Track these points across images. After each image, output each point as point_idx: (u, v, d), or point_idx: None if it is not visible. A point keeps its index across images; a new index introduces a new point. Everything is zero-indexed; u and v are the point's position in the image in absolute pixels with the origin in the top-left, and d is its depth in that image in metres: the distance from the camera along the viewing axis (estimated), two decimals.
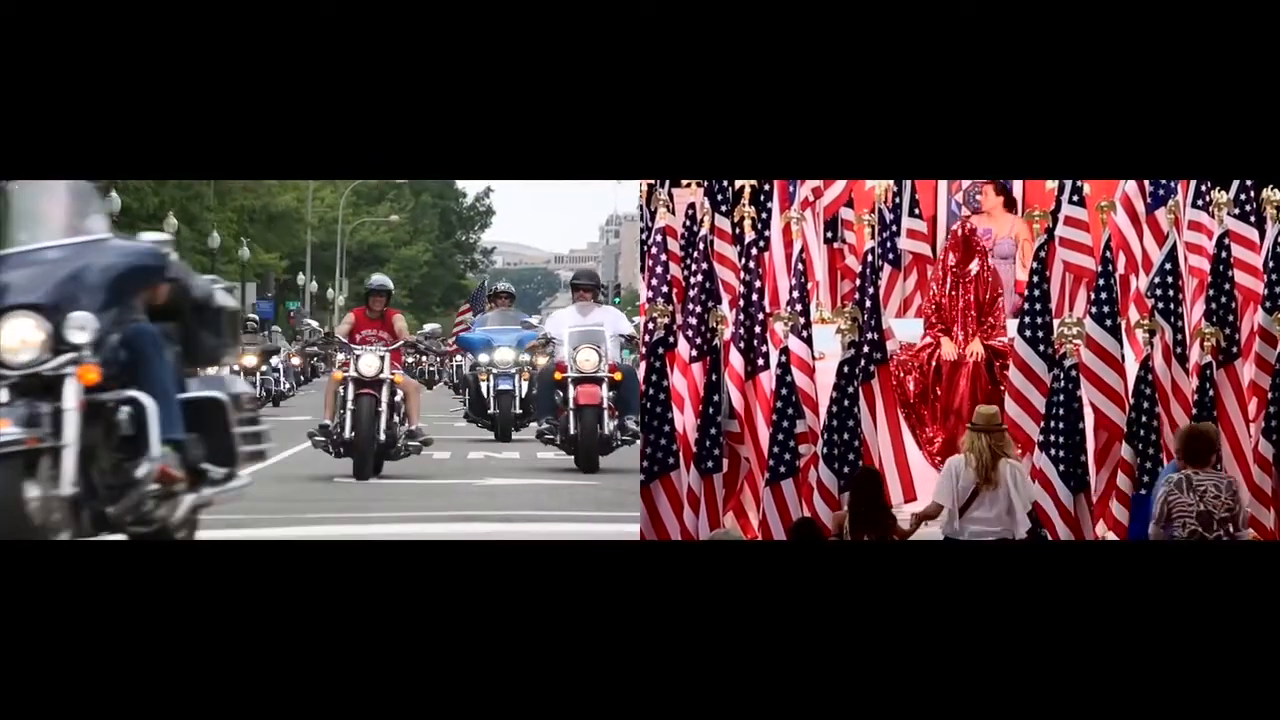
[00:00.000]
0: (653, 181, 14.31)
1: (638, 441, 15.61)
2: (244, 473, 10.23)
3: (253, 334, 32.03)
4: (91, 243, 9.60)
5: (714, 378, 12.26)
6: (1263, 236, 13.31)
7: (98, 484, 9.36)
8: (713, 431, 12.16)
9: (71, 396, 9.19)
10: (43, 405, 9.16)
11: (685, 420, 12.33)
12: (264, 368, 32.55)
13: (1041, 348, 12.13)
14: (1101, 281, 12.16)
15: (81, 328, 9.24)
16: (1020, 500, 11.49)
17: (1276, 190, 13.09)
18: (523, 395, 23.41)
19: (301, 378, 42.15)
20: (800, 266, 12.89)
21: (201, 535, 9.96)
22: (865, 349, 12.56)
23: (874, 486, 11.51)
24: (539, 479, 17.96)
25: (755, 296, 12.71)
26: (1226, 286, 12.46)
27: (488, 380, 23.54)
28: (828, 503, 11.94)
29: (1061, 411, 11.68)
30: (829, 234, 14.96)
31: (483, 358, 22.66)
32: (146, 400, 9.34)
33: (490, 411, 23.33)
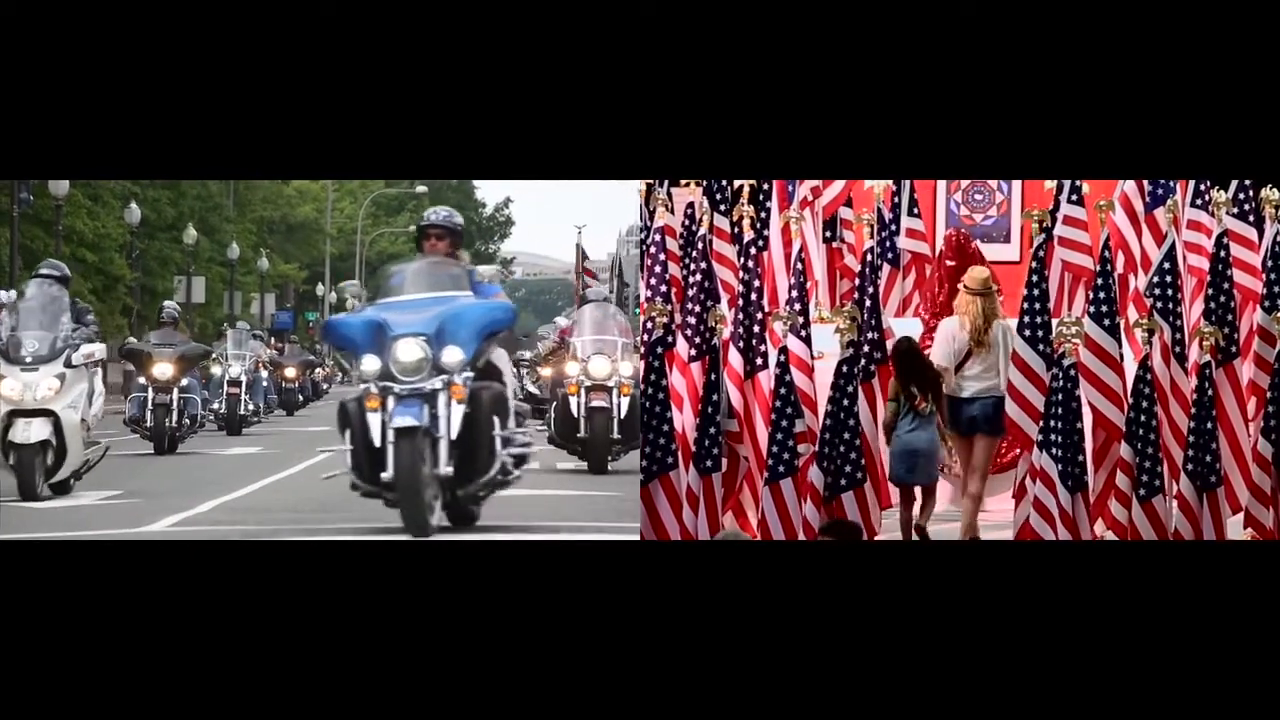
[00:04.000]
0: (651, 181, 14.32)
1: None
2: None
3: (167, 328, 24.16)
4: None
5: (713, 377, 12.25)
6: (1261, 236, 13.33)
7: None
8: (712, 431, 12.15)
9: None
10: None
11: (684, 420, 12.32)
12: (183, 381, 23.49)
13: (1040, 347, 12.13)
14: (1100, 281, 12.16)
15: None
16: (1005, 359, 12.24)
17: (1275, 190, 13.10)
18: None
19: (297, 393, 39.20)
20: (799, 266, 12.89)
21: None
22: (865, 348, 12.58)
23: (915, 354, 12.41)
24: (558, 489, 17.75)
25: (754, 296, 12.71)
26: (1225, 286, 12.47)
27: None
28: (815, 502, 11.95)
29: (1060, 411, 11.68)
30: (828, 233, 14.98)
31: (366, 365, 12.26)
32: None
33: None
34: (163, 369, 22.91)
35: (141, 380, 23.30)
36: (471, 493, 12.50)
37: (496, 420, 12.32)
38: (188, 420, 23.22)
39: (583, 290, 25.03)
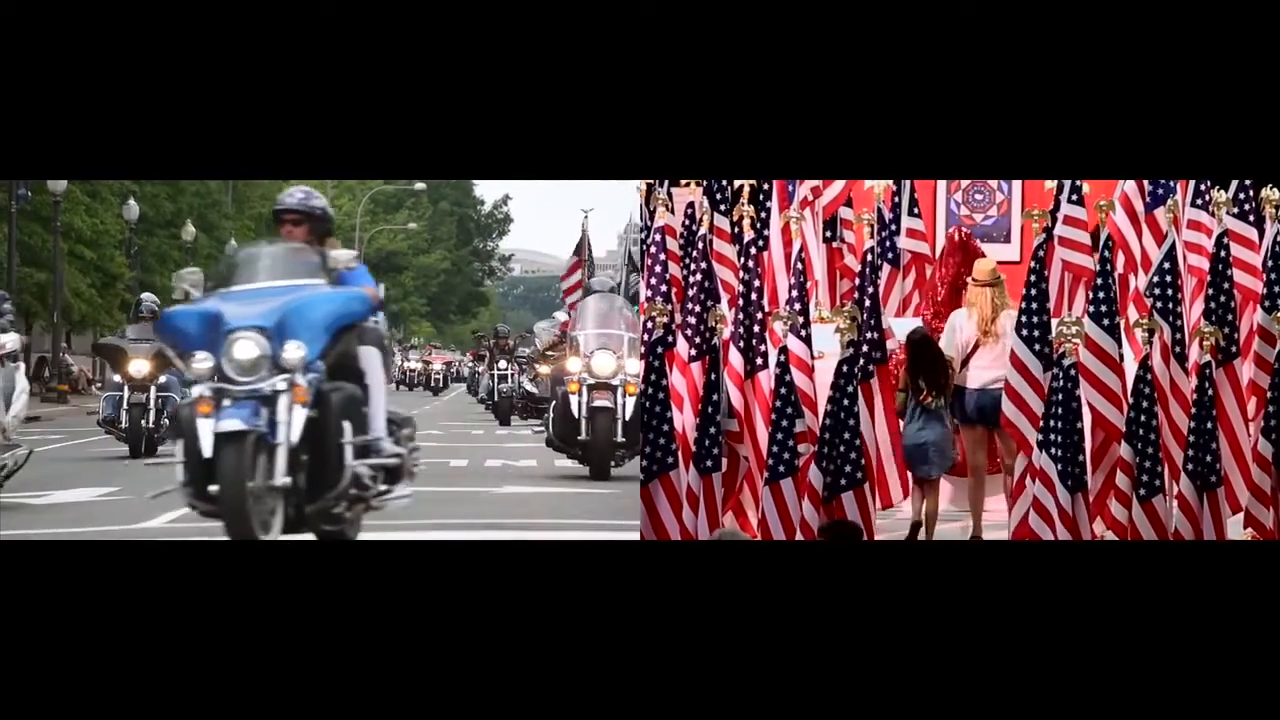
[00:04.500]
0: (652, 181, 14.33)
1: None
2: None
3: (145, 323, 22.25)
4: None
5: (713, 377, 12.26)
6: (1262, 236, 13.35)
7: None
8: (712, 431, 12.16)
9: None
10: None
11: (684, 420, 12.33)
12: (161, 379, 22.06)
13: (1037, 347, 12.14)
14: (1100, 281, 12.17)
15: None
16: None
17: (1275, 189, 13.11)
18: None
19: None
20: (799, 266, 12.91)
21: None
22: (865, 348, 12.60)
23: (926, 344, 12.46)
24: (556, 487, 17.62)
25: (754, 296, 12.72)
26: (1225, 286, 12.47)
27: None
28: (814, 502, 11.96)
29: (1060, 411, 11.68)
30: (828, 233, 15.00)
31: (198, 363, 10.58)
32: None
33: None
34: (139, 366, 21.78)
35: (116, 378, 22.18)
36: (323, 509, 10.79)
37: (347, 426, 10.72)
38: (165, 421, 21.57)
39: (587, 279, 22.57)
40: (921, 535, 12.49)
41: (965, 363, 12.62)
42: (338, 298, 10.91)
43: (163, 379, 21.76)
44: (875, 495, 12.53)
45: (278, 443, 10.42)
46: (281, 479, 10.39)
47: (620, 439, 18.06)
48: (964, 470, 12.97)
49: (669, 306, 12.68)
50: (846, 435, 12.07)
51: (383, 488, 11.09)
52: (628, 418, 17.80)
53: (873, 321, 12.75)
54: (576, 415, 18.13)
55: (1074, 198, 13.66)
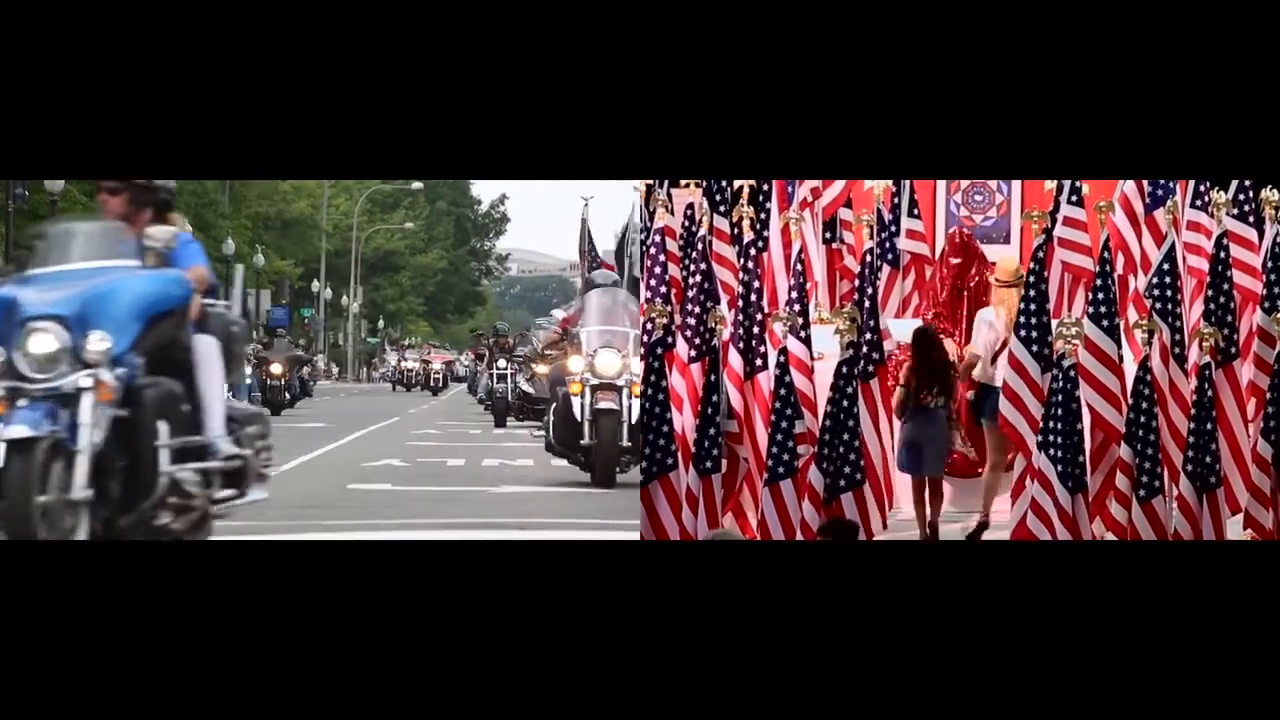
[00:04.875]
0: (651, 182, 14.33)
1: None
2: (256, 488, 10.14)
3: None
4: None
5: (713, 378, 12.26)
6: (1261, 237, 13.35)
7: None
8: (711, 432, 12.16)
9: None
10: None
11: (684, 421, 12.33)
12: None
13: (1036, 348, 12.14)
14: (1100, 282, 12.17)
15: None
16: None
17: (1275, 190, 13.11)
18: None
19: (283, 390, 37.68)
20: (799, 267, 12.91)
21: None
22: (864, 349, 12.59)
23: (932, 344, 12.44)
24: (553, 487, 17.51)
25: (754, 297, 12.72)
26: (1225, 287, 12.48)
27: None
28: (814, 503, 11.96)
29: (1060, 412, 11.68)
30: (828, 234, 15.01)
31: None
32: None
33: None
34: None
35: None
36: (139, 520, 9.55)
37: (163, 427, 9.46)
38: None
39: (588, 273, 21.14)
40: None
41: (993, 360, 12.63)
42: (152, 281, 9.73)
43: None
44: (886, 496, 12.56)
45: (78, 449, 9.24)
46: (81, 491, 9.23)
47: (626, 443, 16.96)
48: (966, 470, 12.98)
49: (668, 308, 12.68)
50: (846, 436, 12.07)
51: (224, 493, 10.01)
52: (634, 420, 16.59)
53: (872, 323, 12.75)
54: (579, 418, 17.12)
55: (1074, 198, 13.66)
